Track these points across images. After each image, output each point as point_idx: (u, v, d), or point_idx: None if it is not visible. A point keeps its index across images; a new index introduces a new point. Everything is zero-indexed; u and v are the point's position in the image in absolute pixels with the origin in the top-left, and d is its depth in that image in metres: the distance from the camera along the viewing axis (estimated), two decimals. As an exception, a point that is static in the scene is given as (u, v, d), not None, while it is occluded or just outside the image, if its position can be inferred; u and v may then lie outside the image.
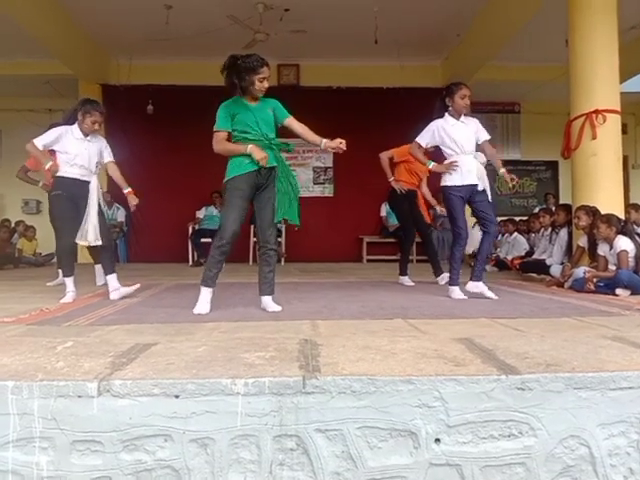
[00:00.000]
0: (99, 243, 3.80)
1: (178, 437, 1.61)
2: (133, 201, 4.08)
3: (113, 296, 3.83)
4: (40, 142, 3.84)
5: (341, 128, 9.13)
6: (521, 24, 7.15)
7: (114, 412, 1.62)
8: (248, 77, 3.20)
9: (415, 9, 7.64)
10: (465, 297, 3.93)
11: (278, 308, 3.27)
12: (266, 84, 3.25)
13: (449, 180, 4.05)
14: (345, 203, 9.40)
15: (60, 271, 3.96)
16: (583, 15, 5.23)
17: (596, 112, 5.07)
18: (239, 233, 3.24)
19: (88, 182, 3.87)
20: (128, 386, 1.62)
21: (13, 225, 9.03)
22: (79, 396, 1.62)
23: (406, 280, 5.22)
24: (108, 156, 4.08)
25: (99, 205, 3.88)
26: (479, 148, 4.17)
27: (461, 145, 4.07)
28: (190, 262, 8.50)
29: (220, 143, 3.27)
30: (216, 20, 7.58)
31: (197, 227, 8.67)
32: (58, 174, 3.84)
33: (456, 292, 3.99)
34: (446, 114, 4.14)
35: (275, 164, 3.27)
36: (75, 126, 3.92)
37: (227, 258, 3.29)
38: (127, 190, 4.12)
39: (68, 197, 3.82)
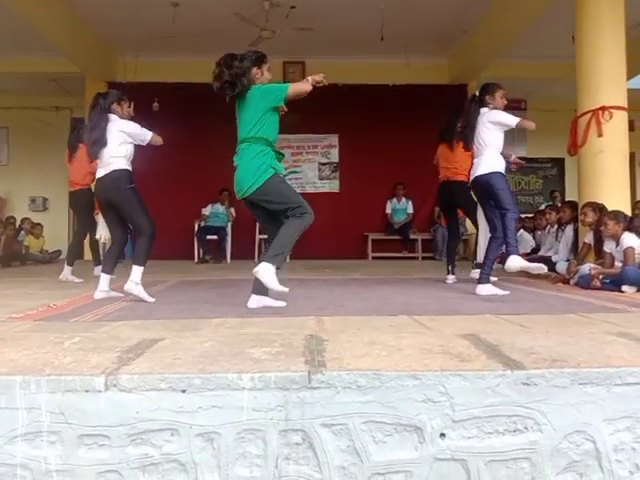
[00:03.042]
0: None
1: (185, 431, 1.62)
2: None
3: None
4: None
5: (347, 124, 9.22)
6: (533, 20, 7.10)
7: (121, 406, 1.63)
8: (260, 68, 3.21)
9: (422, 6, 7.62)
10: (502, 292, 3.94)
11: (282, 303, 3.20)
12: (269, 77, 3.29)
13: (500, 167, 4.15)
14: (350, 199, 9.39)
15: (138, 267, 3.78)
16: (590, 11, 5.21)
17: (602, 109, 5.04)
18: None
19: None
20: (135, 381, 1.64)
21: (19, 223, 9.08)
22: (86, 391, 1.64)
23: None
24: None
25: None
26: None
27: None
28: (196, 259, 8.52)
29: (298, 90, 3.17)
30: (222, 18, 7.59)
31: (202, 224, 8.69)
32: (126, 167, 3.80)
33: (490, 289, 3.97)
34: (493, 109, 4.25)
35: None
36: (115, 118, 3.86)
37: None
38: None
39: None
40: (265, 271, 3.03)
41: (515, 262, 3.94)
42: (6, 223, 8.64)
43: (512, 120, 4.14)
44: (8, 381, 1.64)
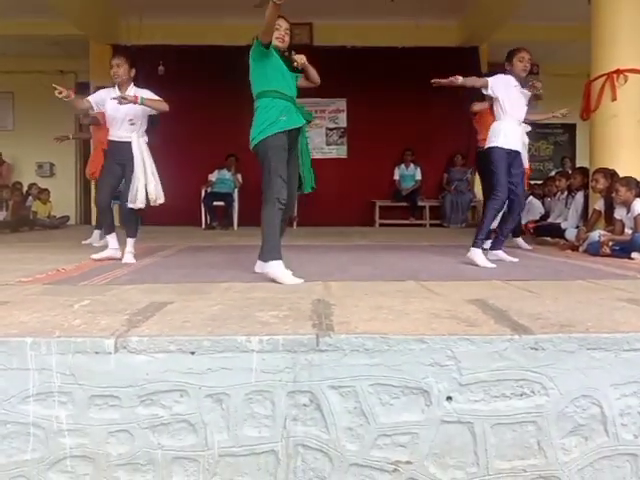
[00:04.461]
0: (160, 201, 3.87)
1: (194, 392, 1.64)
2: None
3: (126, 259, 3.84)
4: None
5: (355, 88, 9.07)
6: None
7: (131, 368, 1.65)
8: None
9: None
10: (489, 265, 3.67)
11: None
12: (287, 37, 3.18)
13: (496, 141, 3.95)
14: (358, 165, 9.28)
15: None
16: (607, -31, 5.04)
17: (617, 72, 4.93)
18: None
19: (129, 142, 3.86)
20: (144, 343, 1.65)
21: (26, 188, 9.09)
22: (96, 352, 1.65)
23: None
24: None
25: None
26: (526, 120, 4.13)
27: (512, 109, 3.99)
28: (203, 225, 8.53)
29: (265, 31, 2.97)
30: (227, -23, 7.40)
31: (209, 190, 8.66)
32: None
33: (478, 255, 3.76)
34: (510, 75, 4.03)
35: (300, 124, 3.10)
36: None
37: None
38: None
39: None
40: (271, 270, 2.92)
41: (474, 256, 3.74)
42: (13, 189, 8.65)
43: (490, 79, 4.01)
44: (19, 342, 1.66)
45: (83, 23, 8.27)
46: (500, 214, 4.17)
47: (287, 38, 3.14)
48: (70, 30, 8.19)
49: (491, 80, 3.99)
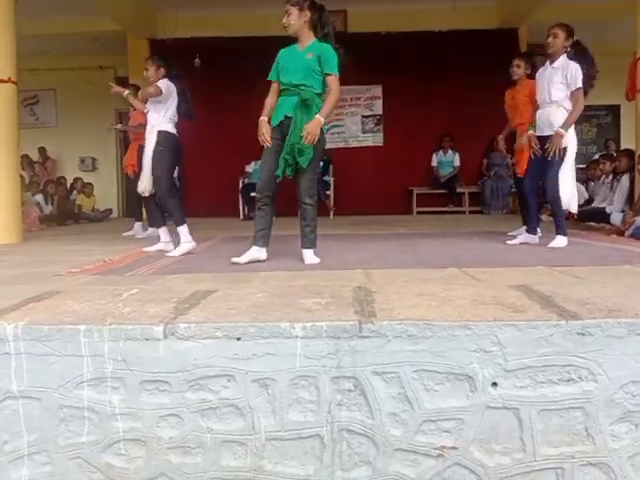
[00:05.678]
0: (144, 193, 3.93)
1: (240, 377, 1.68)
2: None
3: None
4: None
5: (391, 74, 8.96)
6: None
7: (179, 354, 1.70)
8: None
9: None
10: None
11: (315, 260, 3.20)
12: (284, 19, 3.15)
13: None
14: (395, 153, 9.18)
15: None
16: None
17: (665, 49, 4.74)
18: (273, 186, 3.22)
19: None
20: (192, 329, 1.69)
21: (71, 182, 9.35)
22: (146, 339, 1.71)
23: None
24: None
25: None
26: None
27: (540, 94, 3.95)
28: (241, 216, 8.62)
29: (268, 96, 3.28)
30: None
31: (247, 181, 8.74)
32: None
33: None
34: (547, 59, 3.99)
35: (291, 114, 3.13)
36: None
37: (278, 211, 3.31)
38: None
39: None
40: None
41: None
42: (58, 183, 8.91)
43: None
44: (73, 330, 1.73)
45: (122, 18, 8.42)
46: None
47: (285, 19, 3.16)
48: (109, 26, 8.35)
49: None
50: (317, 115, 3.07)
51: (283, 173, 3.15)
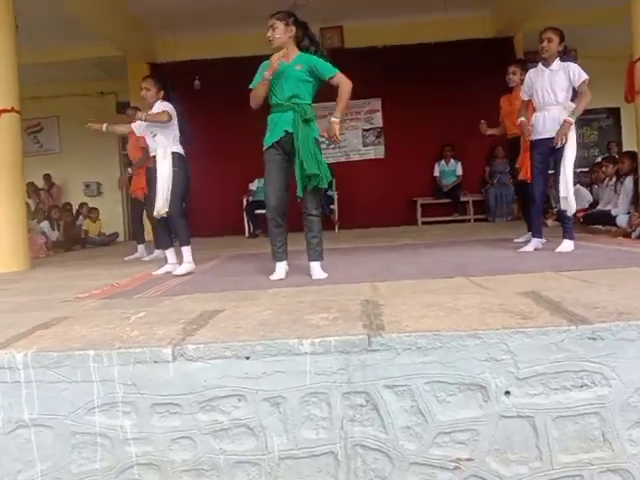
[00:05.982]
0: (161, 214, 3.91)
1: (251, 397, 1.67)
2: None
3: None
4: None
5: (389, 87, 9.01)
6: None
7: (189, 375, 1.69)
8: None
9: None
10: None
11: (322, 275, 3.21)
12: (269, 33, 3.19)
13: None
14: (396, 164, 9.20)
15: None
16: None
17: (663, 49, 4.75)
18: (285, 203, 3.26)
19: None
20: (201, 350, 1.69)
21: (77, 208, 9.41)
22: (155, 361, 1.70)
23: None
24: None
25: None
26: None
27: (541, 97, 3.95)
28: (246, 234, 8.64)
29: (251, 98, 3.30)
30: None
31: (251, 199, 8.77)
32: None
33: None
34: (540, 62, 4.02)
35: (292, 130, 3.15)
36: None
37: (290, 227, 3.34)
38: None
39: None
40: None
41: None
42: (63, 209, 8.97)
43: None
44: (82, 356, 1.73)
45: (122, 43, 8.52)
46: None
47: (270, 33, 3.19)
48: (110, 51, 8.47)
49: (522, 95, 4.16)
50: (332, 118, 3.13)
51: (303, 192, 3.21)
